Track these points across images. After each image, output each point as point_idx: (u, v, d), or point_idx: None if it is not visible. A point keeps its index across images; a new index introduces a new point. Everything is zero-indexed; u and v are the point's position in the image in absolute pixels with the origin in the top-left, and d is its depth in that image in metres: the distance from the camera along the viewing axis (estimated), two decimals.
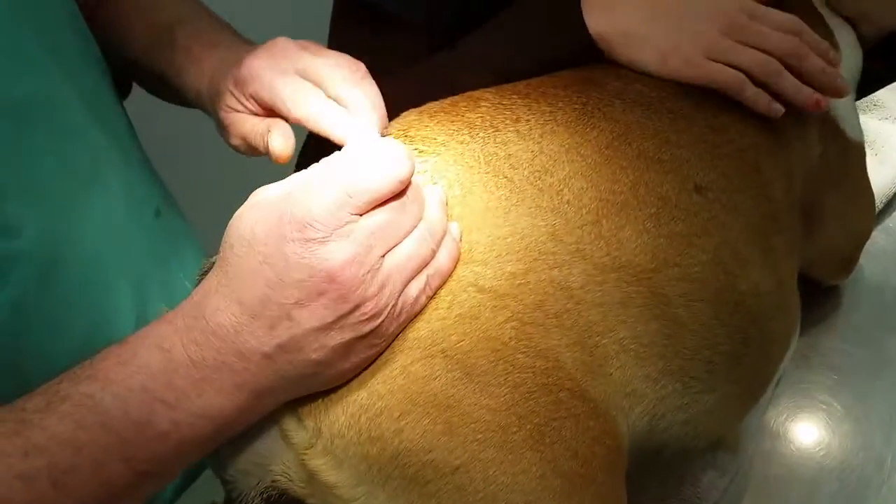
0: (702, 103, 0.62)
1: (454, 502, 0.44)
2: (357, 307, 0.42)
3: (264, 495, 0.47)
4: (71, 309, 0.55)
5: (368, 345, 0.44)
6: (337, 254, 0.41)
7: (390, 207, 0.44)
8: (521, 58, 0.64)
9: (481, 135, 0.55)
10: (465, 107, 0.57)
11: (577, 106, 0.58)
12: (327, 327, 0.42)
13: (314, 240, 0.41)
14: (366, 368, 0.46)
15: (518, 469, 0.45)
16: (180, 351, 0.42)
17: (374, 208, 0.44)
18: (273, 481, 0.47)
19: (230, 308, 0.42)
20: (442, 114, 0.57)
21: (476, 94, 0.59)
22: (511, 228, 0.50)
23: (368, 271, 0.42)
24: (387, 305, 0.44)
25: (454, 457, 0.44)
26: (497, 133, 0.55)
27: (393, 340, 0.46)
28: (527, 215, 0.51)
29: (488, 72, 0.63)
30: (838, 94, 0.64)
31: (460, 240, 0.49)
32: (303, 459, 0.46)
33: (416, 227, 0.46)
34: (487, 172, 0.52)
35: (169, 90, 0.67)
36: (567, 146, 0.55)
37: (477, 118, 0.56)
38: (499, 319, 0.47)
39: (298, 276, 0.41)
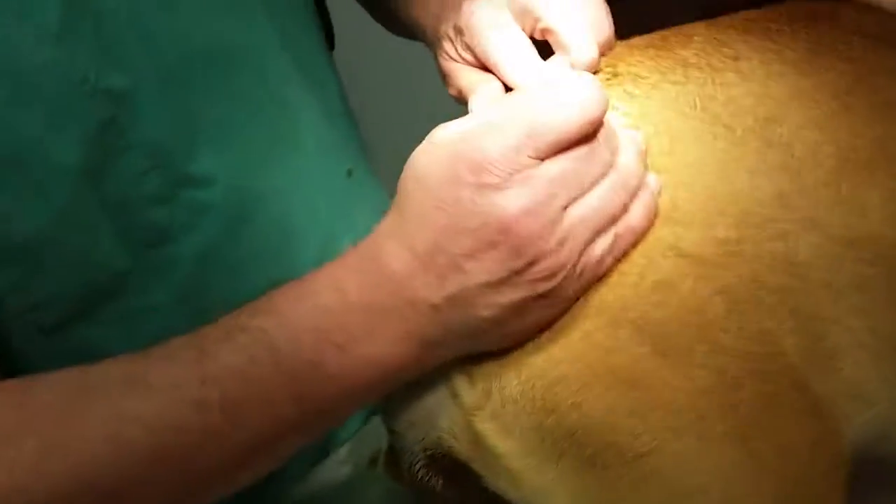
0: None
1: (635, 494, 0.39)
2: (532, 263, 0.38)
3: (428, 451, 0.44)
4: (256, 264, 0.55)
5: (544, 305, 0.39)
6: (513, 202, 0.37)
7: (577, 153, 0.39)
8: None
9: (697, 75, 0.46)
10: (677, 41, 0.49)
11: (806, 44, 0.48)
12: (499, 283, 0.38)
13: (489, 185, 0.37)
14: (542, 331, 0.41)
15: (718, 465, 0.39)
16: (355, 293, 0.39)
17: (558, 152, 0.38)
18: (438, 438, 0.43)
19: (403, 254, 0.39)
20: (652, 49, 0.49)
21: (686, 28, 0.51)
22: (727, 187, 0.43)
23: (547, 224, 0.37)
24: (566, 263, 0.38)
25: (641, 443, 0.39)
26: (715, 73, 0.46)
27: (573, 304, 0.41)
28: (748, 172, 0.43)
29: (697, 5, 0.54)
30: None
31: (660, 195, 0.42)
32: (470, 421, 0.42)
33: (606, 176, 0.40)
34: (703, 120, 0.45)
35: (398, 24, 0.64)
36: (797, 90, 0.46)
37: (691, 55, 0.48)
38: (704, 292, 0.40)
39: (471, 225, 0.37)
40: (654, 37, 0.50)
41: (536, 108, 0.38)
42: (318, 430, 0.42)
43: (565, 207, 0.38)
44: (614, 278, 0.41)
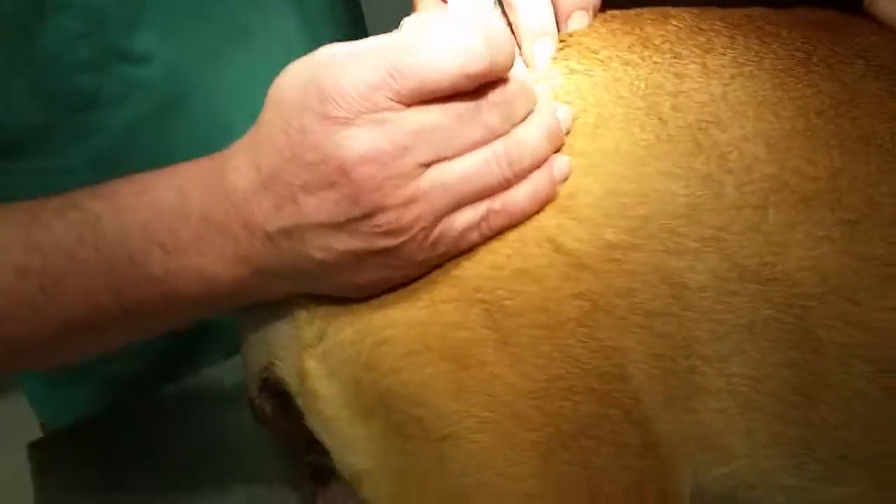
0: None
1: (429, 473, 0.37)
2: (370, 215, 0.35)
3: (263, 375, 0.43)
4: (184, 148, 0.53)
5: (385, 264, 0.37)
6: (356, 143, 0.34)
7: (453, 108, 0.35)
8: None
9: (655, 59, 0.41)
10: (651, 20, 0.44)
11: (798, 53, 0.42)
12: (335, 227, 0.35)
13: (334, 118, 0.34)
14: (393, 289, 0.38)
15: (512, 473, 0.36)
16: (196, 199, 0.38)
17: (431, 102, 0.34)
18: (272, 364, 0.42)
19: (248, 172, 0.37)
20: (618, 22, 0.44)
21: (673, 10, 0.45)
22: (636, 186, 0.38)
23: (394, 177, 0.34)
24: (412, 226, 0.35)
25: (444, 423, 0.37)
26: (676, 61, 0.41)
27: (426, 271, 0.38)
28: (666, 175, 0.38)
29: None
30: None
31: (563, 181, 0.38)
32: (301, 356, 0.40)
33: (487, 143, 0.36)
34: (638, 108, 0.40)
35: None
36: (761, 98, 0.40)
37: (658, 36, 0.42)
38: (565, 291, 0.37)
39: (310, 157, 0.34)
40: (630, 11, 0.45)
41: (407, 47, 0.34)
42: (143, 329, 0.41)
43: (426, 166, 0.35)
44: (478, 256, 0.38)
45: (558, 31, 0.43)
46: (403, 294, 0.38)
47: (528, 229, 0.38)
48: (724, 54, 0.41)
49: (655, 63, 0.41)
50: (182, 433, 0.57)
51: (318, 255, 0.36)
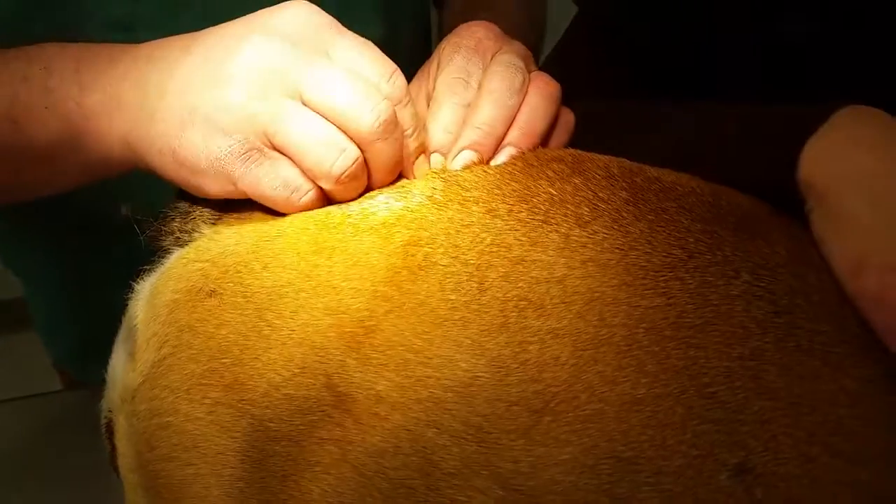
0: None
1: None
2: None
3: (106, 418, 0.46)
4: None
5: None
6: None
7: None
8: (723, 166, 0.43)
9: (521, 216, 0.40)
10: (557, 173, 0.42)
11: (679, 252, 0.38)
12: None
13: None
14: (186, 376, 0.40)
15: None
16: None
17: None
18: (108, 411, 0.45)
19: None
20: (520, 166, 0.43)
21: (595, 165, 0.42)
22: (424, 345, 0.38)
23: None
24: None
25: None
26: (541, 226, 0.40)
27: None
28: (455, 344, 0.38)
29: (670, 145, 0.44)
30: None
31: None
32: (119, 408, 0.43)
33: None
34: (468, 264, 0.39)
35: None
36: (597, 295, 0.37)
37: (544, 193, 0.41)
38: (321, 433, 0.37)
39: None
40: (558, 155, 0.43)
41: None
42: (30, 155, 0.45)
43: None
44: (265, 370, 0.38)
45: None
46: (194, 386, 0.40)
47: (313, 356, 0.38)
48: (596, 233, 0.39)
49: (518, 221, 0.40)
50: None
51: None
